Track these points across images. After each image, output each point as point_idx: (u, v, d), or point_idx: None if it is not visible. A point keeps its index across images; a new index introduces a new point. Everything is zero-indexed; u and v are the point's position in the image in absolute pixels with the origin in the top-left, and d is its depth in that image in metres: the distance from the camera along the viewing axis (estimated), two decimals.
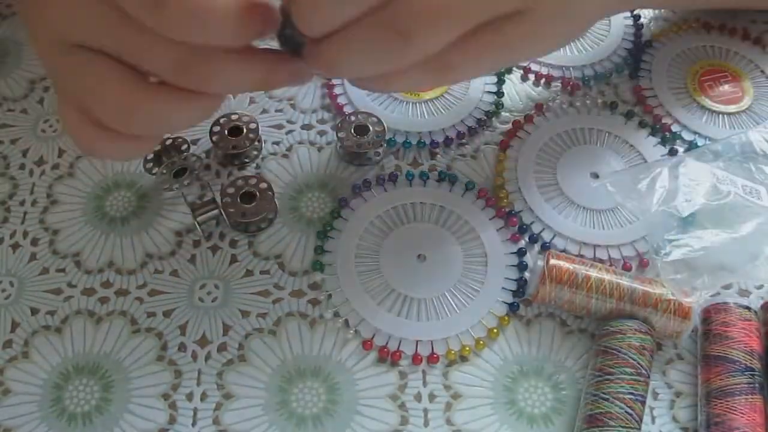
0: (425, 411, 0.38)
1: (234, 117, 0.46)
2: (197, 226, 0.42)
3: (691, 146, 0.46)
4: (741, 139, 0.44)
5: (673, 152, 0.46)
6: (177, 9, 0.27)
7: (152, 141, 0.36)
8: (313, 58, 0.31)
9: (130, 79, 0.30)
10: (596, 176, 0.45)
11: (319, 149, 0.47)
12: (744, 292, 0.42)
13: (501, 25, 0.32)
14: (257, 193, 0.43)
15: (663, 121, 0.47)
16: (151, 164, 0.46)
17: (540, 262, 0.40)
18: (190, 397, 0.39)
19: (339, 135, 0.45)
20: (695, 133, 0.47)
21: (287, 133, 0.48)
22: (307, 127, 0.48)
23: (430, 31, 0.30)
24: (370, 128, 0.45)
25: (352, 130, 0.45)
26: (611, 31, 0.52)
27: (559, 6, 0.34)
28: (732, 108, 0.48)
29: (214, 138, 0.45)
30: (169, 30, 0.28)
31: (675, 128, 0.47)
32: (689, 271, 0.39)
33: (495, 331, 0.40)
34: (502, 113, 0.48)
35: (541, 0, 0.32)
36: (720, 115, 0.48)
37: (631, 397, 0.36)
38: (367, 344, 0.40)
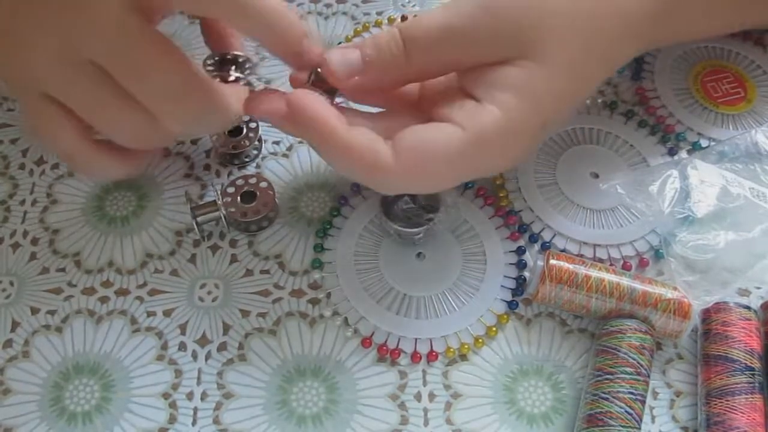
0: (425, 410, 0.38)
1: None
2: (196, 227, 0.42)
3: (695, 147, 0.46)
4: (746, 139, 0.45)
5: (672, 152, 0.46)
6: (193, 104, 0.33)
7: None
8: None
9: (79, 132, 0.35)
10: (596, 176, 0.45)
11: None
12: (744, 292, 0.42)
13: None
14: (257, 193, 0.43)
15: (666, 122, 0.47)
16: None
17: (540, 262, 0.40)
18: (190, 396, 0.39)
19: (212, 138, 0.45)
20: (699, 134, 0.47)
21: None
22: None
23: None
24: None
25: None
26: None
27: None
28: (735, 109, 0.48)
29: (214, 138, 0.45)
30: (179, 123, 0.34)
31: (678, 129, 0.47)
32: (701, 274, 0.40)
33: (494, 329, 0.40)
34: None
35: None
36: (723, 116, 0.48)
37: (631, 396, 0.36)
38: (366, 342, 0.40)
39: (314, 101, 0.34)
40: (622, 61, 0.40)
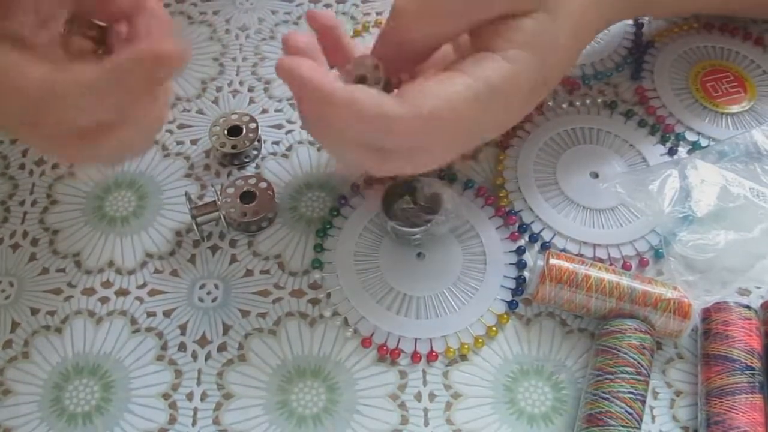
0: (425, 410, 0.38)
1: (234, 117, 0.46)
2: (196, 227, 0.42)
3: (695, 147, 0.46)
4: (746, 139, 0.45)
5: (672, 151, 0.46)
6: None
7: None
8: None
9: None
10: (596, 176, 0.45)
11: (319, 149, 0.47)
12: (744, 292, 0.42)
13: None
14: (257, 193, 0.43)
15: (666, 122, 0.47)
16: None
17: (540, 262, 0.40)
18: (190, 396, 0.39)
19: (212, 138, 0.45)
20: (699, 133, 0.47)
21: (287, 133, 0.48)
22: None
23: None
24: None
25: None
26: (611, 31, 0.52)
27: None
28: (735, 108, 0.48)
29: (213, 138, 0.45)
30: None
31: (678, 129, 0.47)
32: (701, 273, 0.40)
33: (494, 329, 0.40)
34: None
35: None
36: (723, 116, 0.48)
37: (631, 396, 0.36)
38: (366, 342, 0.40)
39: (307, 65, 0.34)
40: (615, 18, 0.43)
